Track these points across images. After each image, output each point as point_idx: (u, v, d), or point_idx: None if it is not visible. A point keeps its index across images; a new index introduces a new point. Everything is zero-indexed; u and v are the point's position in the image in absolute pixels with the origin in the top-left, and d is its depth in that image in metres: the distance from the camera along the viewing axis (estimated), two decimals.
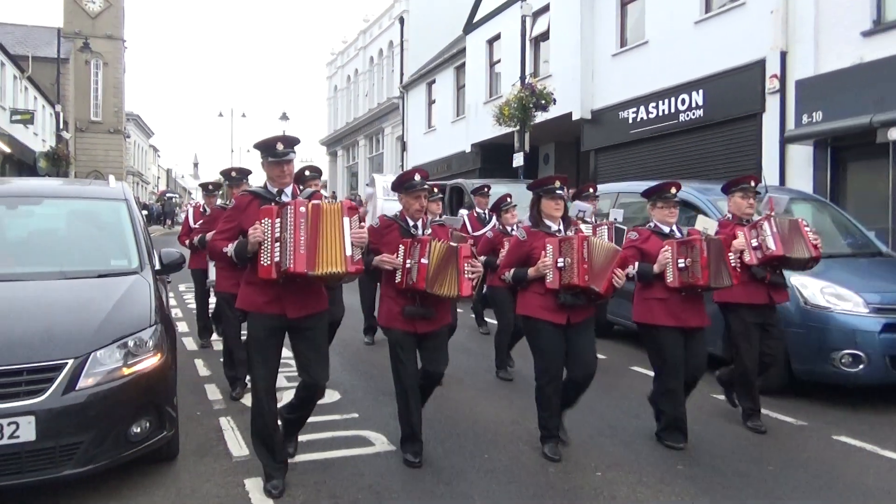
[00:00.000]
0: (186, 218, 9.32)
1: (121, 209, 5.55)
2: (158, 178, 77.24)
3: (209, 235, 5.77)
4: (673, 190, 5.39)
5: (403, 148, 32.45)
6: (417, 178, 4.83)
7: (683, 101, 15.63)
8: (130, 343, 4.20)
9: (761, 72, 13.64)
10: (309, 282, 4.16)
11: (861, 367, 6.28)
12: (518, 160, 18.15)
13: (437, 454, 5.05)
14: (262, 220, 4.02)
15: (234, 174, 7.52)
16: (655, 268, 5.17)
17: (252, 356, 4.34)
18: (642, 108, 16.92)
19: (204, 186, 9.18)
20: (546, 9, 20.10)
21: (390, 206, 8.77)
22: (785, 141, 13.15)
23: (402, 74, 32.49)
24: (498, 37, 23.37)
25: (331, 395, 6.54)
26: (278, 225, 4.00)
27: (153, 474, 4.60)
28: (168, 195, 55.48)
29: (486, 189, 10.31)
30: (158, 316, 4.52)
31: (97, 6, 45.25)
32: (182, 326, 9.79)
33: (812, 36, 12.69)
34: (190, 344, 8.86)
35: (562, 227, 5.05)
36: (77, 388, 3.93)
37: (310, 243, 3.97)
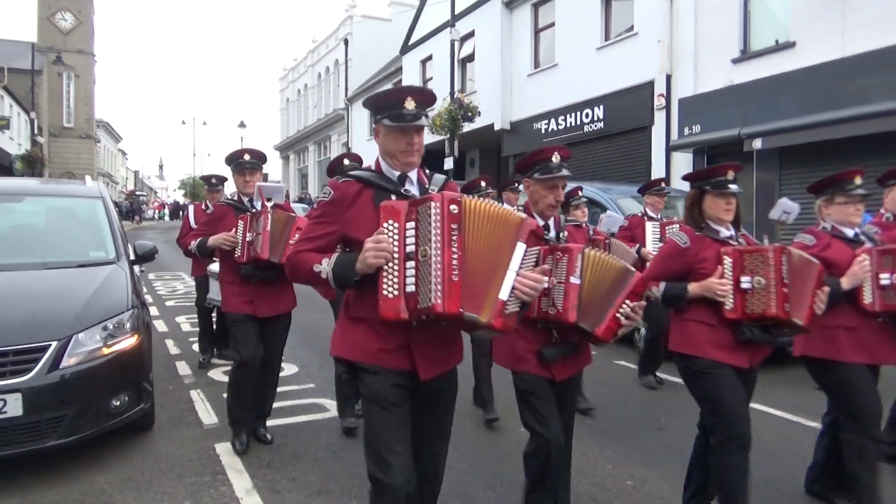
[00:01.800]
0: (186, 217, 6.93)
1: (97, 205, 5.31)
2: (127, 178, 74.05)
3: (295, 241, 2.91)
4: (857, 179, 3.49)
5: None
6: (556, 158, 2.95)
7: (587, 115, 15.94)
8: (110, 325, 4.04)
9: (651, 91, 14.03)
10: (455, 325, 2.30)
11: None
12: (448, 164, 18.19)
13: None
14: (387, 224, 2.22)
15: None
16: (845, 283, 3.30)
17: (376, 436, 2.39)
18: (553, 121, 17.17)
19: (207, 180, 6.96)
20: (472, 34, 20.14)
21: None
22: (670, 149, 13.57)
23: (346, 89, 32.08)
24: (430, 58, 23.30)
25: (289, 368, 6.45)
26: (412, 233, 2.18)
27: (132, 443, 4.44)
28: (137, 194, 53.27)
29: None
30: (135, 301, 4.36)
31: (69, 23, 42.92)
32: (153, 311, 9.46)
33: (692, 62, 13.11)
34: (161, 326, 8.57)
35: (733, 233, 3.26)
36: (61, 367, 3.75)
37: (464, 265, 2.13)
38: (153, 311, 9.50)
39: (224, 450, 4.35)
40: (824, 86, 10.34)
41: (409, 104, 2.33)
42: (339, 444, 4.53)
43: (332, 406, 5.30)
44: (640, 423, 5.09)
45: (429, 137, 20.19)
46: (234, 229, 4.27)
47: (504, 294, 2.15)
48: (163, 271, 14.61)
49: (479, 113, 18.18)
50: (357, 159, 4.91)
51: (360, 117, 30.78)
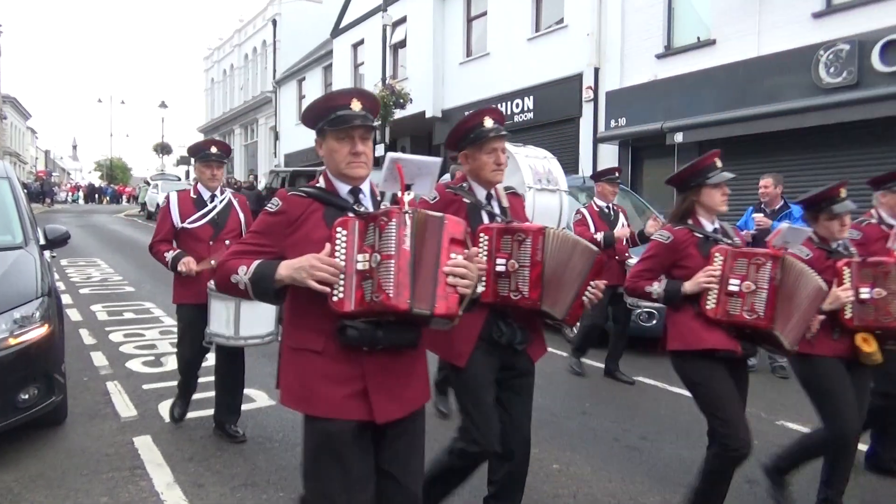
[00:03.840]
0: (166, 211, 4.27)
1: (3, 186, 4.97)
2: (37, 159, 69.83)
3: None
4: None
5: (276, 137, 31.27)
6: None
7: (518, 105, 16.11)
8: (17, 314, 3.80)
9: (579, 83, 14.30)
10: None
11: (654, 321, 6.81)
12: (379, 151, 18.03)
13: None
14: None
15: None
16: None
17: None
18: None
19: (199, 150, 4.28)
20: (404, 20, 19.96)
21: (544, 200, 6.13)
22: (597, 141, 13.90)
23: (274, 71, 31.23)
24: (362, 42, 22.96)
25: (213, 359, 6.25)
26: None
27: (43, 438, 4.21)
28: (49, 174, 50.29)
29: (616, 174, 6.35)
30: (45, 288, 4.12)
31: None
32: (66, 299, 8.98)
33: (619, 56, 13.44)
34: (75, 315, 8.15)
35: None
36: None
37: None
38: (66, 299, 9.01)
39: (143, 443, 4.19)
40: (741, 83, 10.82)
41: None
42: (266, 435, 4.44)
43: (258, 396, 5.19)
44: (565, 408, 5.23)
45: None
46: (325, 246, 2.06)
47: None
48: (76, 257, 13.90)
49: (411, 100, 18.10)
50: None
51: (289, 100, 30.07)
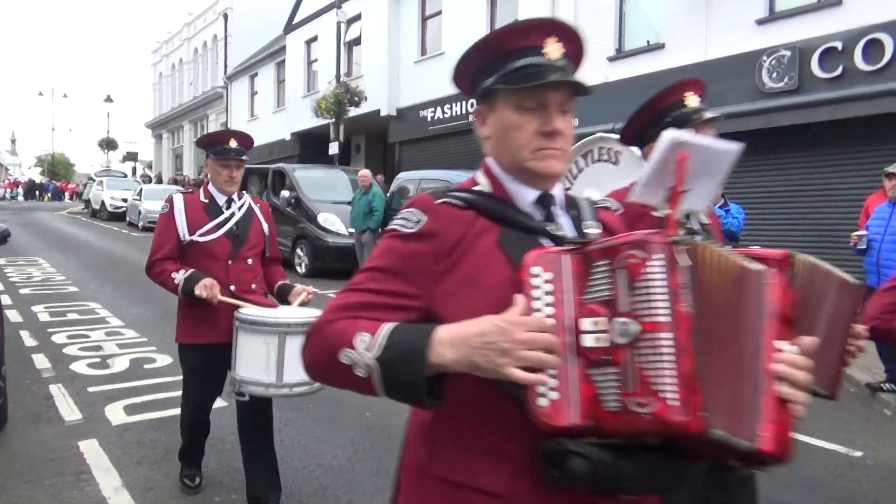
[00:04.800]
0: (169, 220, 3.26)
1: None
2: None
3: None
4: None
5: None
6: None
7: (472, 105, 16.13)
8: None
9: None
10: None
11: None
12: (333, 149, 17.90)
13: None
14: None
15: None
16: None
17: None
18: (439, 109, 17.31)
19: (214, 142, 3.34)
20: (358, 17, 19.84)
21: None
22: None
23: (226, 66, 30.63)
24: (315, 38, 22.73)
25: (163, 360, 6.12)
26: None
27: None
28: None
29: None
30: None
31: None
32: (4, 299, 8.65)
33: None
34: (14, 316, 7.85)
35: None
36: None
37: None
38: (5, 300, 8.68)
39: (89, 447, 4.07)
40: None
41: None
42: (217, 436, 4.36)
43: None
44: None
45: (313, 121, 19.82)
46: (513, 300, 1.06)
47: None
48: (16, 256, 13.36)
49: (366, 98, 18.01)
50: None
51: (240, 96, 29.55)
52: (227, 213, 3.29)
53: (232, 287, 3.16)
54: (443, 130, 17.15)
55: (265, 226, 3.41)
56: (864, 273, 5.63)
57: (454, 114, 16.79)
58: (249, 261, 3.28)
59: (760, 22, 10.38)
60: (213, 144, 3.28)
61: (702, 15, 11.16)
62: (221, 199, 3.32)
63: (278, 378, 2.81)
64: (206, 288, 3.03)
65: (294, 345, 2.71)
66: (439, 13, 17.48)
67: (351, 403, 4.99)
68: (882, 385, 5.49)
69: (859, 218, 6.46)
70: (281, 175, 13.48)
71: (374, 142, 22.92)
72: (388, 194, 11.60)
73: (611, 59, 12.81)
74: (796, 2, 10.08)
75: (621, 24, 12.86)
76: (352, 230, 11.14)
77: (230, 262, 3.23)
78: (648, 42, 12.21)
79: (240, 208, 3.34)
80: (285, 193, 12.40)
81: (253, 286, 3.27)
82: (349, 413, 4.80)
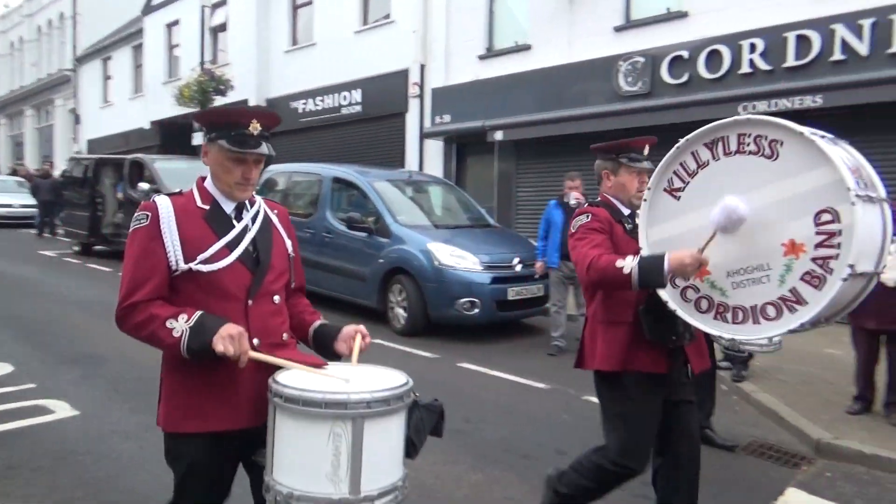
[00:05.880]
0: (152, 237, 2.00)
1: None
2: None
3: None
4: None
5: (77, 121, 28.28)
6: None
7: (345, 98, 16.02)
8: None
9: (406, 79, 14.55)
10: None
11: (476, 310, 7.16)
12: (198, 139, 17.02)
13: None
14: None
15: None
16: None
17: None
18: (311, 101, 16.96)
19: (211, 121, 2.11)
20: (224, 2, 18.97)
21: (869, 218, 2.28)
22: (423, 136, 14.25)
23: (74, 48, 28.18)
24: (177, 22, 21.44)
25: (2, 368, 5.58)
26: None
27: None
28: None
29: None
30: None
31: None
32: None
33: (444, 54, 13.87)
34: None
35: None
36: None
37: None
38: None
39: None
40: (554, 87, 11.66)
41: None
42: (67, 449, 4.05)
43: (58, 407, 4.72)
44: None
45: (175, 110, 18.73)
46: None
47: None
48: None
49: (233, 87, 17.28)
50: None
51: (92, 80, 27.31)
52: (238, 227, 2.08)
53: (256, 340, 1.99)
54: (315, 123, 16.82)
55: (288, 242, 2.22)
56: None
57: (326, 106, 16.52)
58: (276, 298, 2.12)
59: (618, 29, 11.07)
60: (223, 126, 2.03)
61: (565, 19, 11.72)
62: (229, 207, 2.10)
63: (353, 488, 1.74)
64: (233, 340, 1.85)
65: (375, 433, 1.76)
66: (310, 3, 17.10)
67: None
68: (720, 363, 6.07)
69: None
70: (139, 166, 12.64)
71: None
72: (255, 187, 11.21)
73: (481, 58, 13.13)
74: (649, 12, 10.85)
75: (491, 24, 13.22)
76: None
77: (250, 301, 2.03)
78: (516, 42, 12.65)
79: (254, 219, 2.13)
80: (144, 186, 11.65)
81: (284, 336, 2.13)
82: None
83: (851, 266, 2.14)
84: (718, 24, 9.63)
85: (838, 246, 2.18)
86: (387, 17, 15.16)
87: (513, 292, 7.35)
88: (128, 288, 1.95)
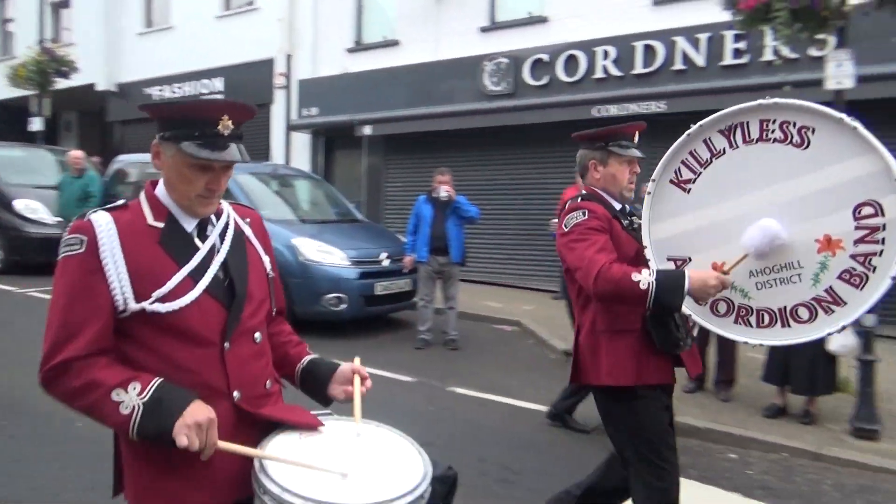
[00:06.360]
0: (86, 268, 1.50)
1: None
2: None
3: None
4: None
5: None
6: None
7: (206, 86, 15.26)
8: None
9: (271, 69, 14.11)
10: None
11: (343, 306, 7.09)
12: (36, 125, 15.47)
13: None
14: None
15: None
16: None
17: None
18: (168, 87, 15.98)
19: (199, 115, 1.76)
20: None
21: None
22: (289, 129, 13.89)
23: None
24: None
25: None
26: None
27: None
28: None
29: None
30: None
31: None
32: None
33: (311, 45, 13.58)
34: None
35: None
36: None
37: None
38: None
39: None
40: (422, 84, 11.78)
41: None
42: None
43: None
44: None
45: (10, 92, 16.91)
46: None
47: None
48: None
49: (77, 68, 15.85)
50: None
51: None
52: (203, 249, 1.60)
53: (236, 394, 1.59)
54: None
55: (266, 260, 1.78)
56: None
57: (185, 93, 15.65)
58: (258, 335, 1.68)
59: (483, 30, 11.38)
60: (183, 123, 1.55)
61: (433, 16, 11.87)
62: (190, 224, 1.62)
63: None
64: (200, 429, 1.43)
65: None
66: None
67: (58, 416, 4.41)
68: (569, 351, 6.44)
69: (557, 208, 7.47)
70: None
71: (89, 119, 20.34)
72: (104, 178, 10.40)
73: (350, 51, 13.01)
74: (512, 15, 11.25)
75: (360, 17, 13.12)
76: (60, 218, 9.80)
77: (227, 344, 1.59)
78: (385, 37, 12.64)
79: (222, 235, 1.67)
80: None
81: (268, 384, 1.69)
82: (53, 426, 4.25)
83: None
84: (575, 30, 10.17)
85: (882, 241, 2.00)
86: (250, 3, 14.62)
87: (381, 287, 7.35)
88: (56, 338, 1.45)
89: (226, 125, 1.55)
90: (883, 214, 1.99)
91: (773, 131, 2.14)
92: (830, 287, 2.08)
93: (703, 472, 4.04)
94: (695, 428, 4.64)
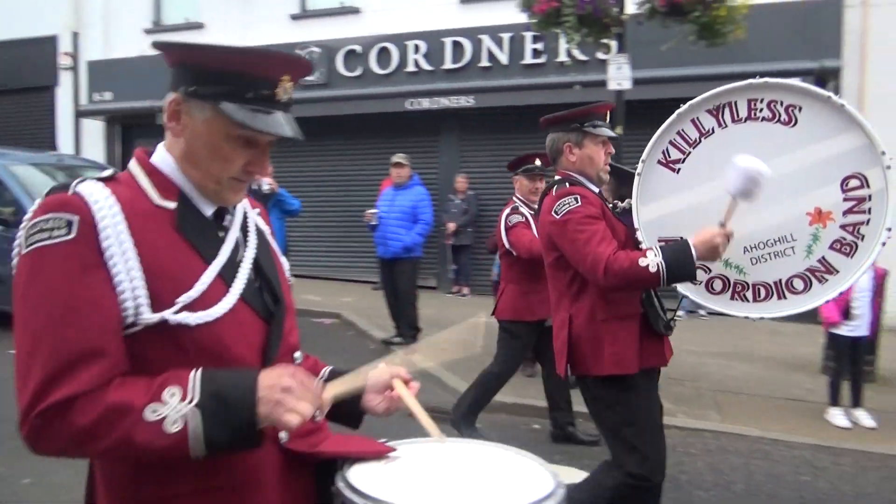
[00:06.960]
0: (79, 265, 1.04)
1: None
2: None
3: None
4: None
5: None
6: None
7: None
8: None
9: (54, 47, 12.65)
10: None
11: None
12: None
13: None
14: None
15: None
16: None
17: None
18: None
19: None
20: None
21: None
22: (78, 115, 12.57)
23: None
24: None
25: None
26: None
27: None
28: None
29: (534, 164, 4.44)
30: None
31: None
32: None
33: (101, 23, 12.38)
34: None
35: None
36: None
37: None
38: None
39: None
40: None
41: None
42: None
43: None
44: None
45: None
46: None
47: None
48: None
49: None
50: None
51: None
52: (229, 242, 1.23)
53: (283, 435, 1.20)
54: None
55: (284, 261, 1.44)
56: (375, 245, 6.63)
57: None
58: (297, 355, 1.36)
59: (294, 17, 11.11)
60: (232, 79, 1.18)
61: (241, 1, 11.35)
62: (209, 210, 1.23)
63: None
64: (291, 393, 1.06)
65: None
66: None
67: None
68: (392, 339, 6.58)
69: (377, 200, 7.53)
70: None
71: None
72: None
73: (148, 31, 12.05)
74: (324, 4, 11.10)
75: None
76: None
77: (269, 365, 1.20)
78: (187, 19, 11.87)
79: (243, 227, 1.30)
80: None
81: (317, 415, 1.24)
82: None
83: (889, 229, 2.12)
84: (387, 23, 10.28)
85: (868, 211, 2.15)
86: None
87: None
88: (47, 372, 0.98)
89: (286, 88, 1.20)
90: (868, 186, 2.14)
91: (761, 110, 2.21)
92: (823, 257, 2.21)
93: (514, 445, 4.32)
94: (504, 404, 4.95)
